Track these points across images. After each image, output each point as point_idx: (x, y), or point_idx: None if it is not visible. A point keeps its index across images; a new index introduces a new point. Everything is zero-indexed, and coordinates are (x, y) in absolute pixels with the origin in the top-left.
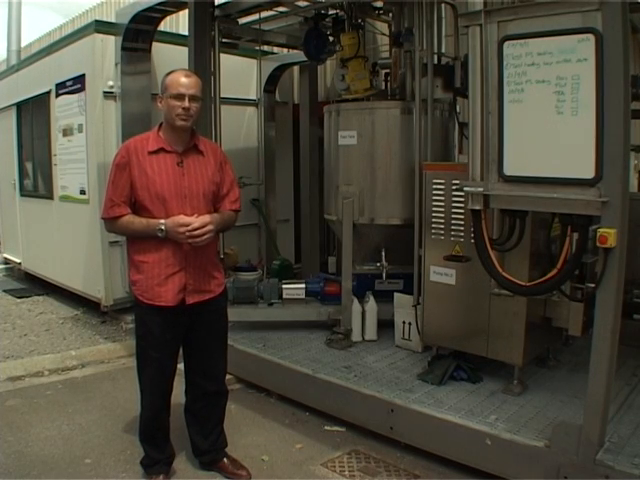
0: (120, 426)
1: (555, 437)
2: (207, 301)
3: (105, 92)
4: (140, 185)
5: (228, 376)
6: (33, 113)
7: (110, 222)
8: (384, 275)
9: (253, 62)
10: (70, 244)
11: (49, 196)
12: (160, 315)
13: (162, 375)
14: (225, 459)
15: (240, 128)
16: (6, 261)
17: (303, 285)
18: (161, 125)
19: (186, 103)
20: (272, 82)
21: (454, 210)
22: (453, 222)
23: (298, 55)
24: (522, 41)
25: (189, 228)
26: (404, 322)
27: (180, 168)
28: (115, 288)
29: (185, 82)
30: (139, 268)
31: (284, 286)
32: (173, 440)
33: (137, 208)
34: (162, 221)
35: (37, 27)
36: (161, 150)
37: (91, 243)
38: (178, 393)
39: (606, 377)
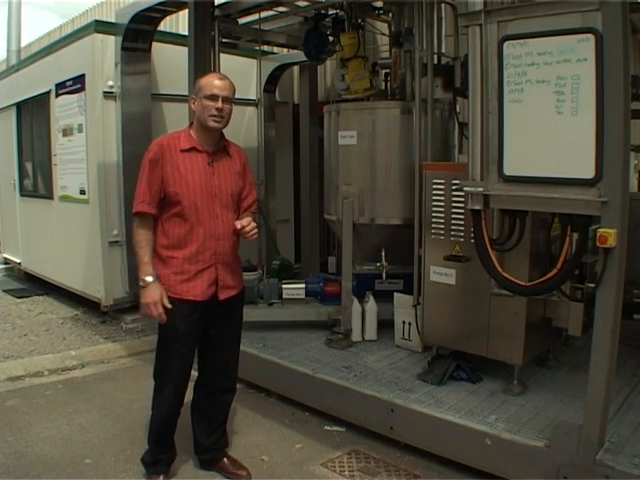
0: (120, 426)
1: (555, 437)
2: (233, 297)
3: (105, 92)
4: (172, 181)
5: None
6: (33, 113)
7: (138, 221)
8: (384, 275)
9: (253, 62)
10: (70, 244)
11: (49, 196)
12: (187, 309)
13: (185, 371)
14: (225, 459)
15: (240, 128)
16: (6, 261)
17: (303, 285)
18: (191, 125)
19: (219, 104)
20: (272, 82)
21: (454, 210)
22: (453, 222)
23: (298, 55)
24: (522, 41)
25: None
26: (404, 322)
27: (211, 168)
28: (115, 288)
29: (219, 84)
30: (167, 263)
31: (284, 286)
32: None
33: (166, 204)
34: (150, 278)
35: (34, 27)
36: (193, 149)
37: (91, 243)
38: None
39: (606, 377)
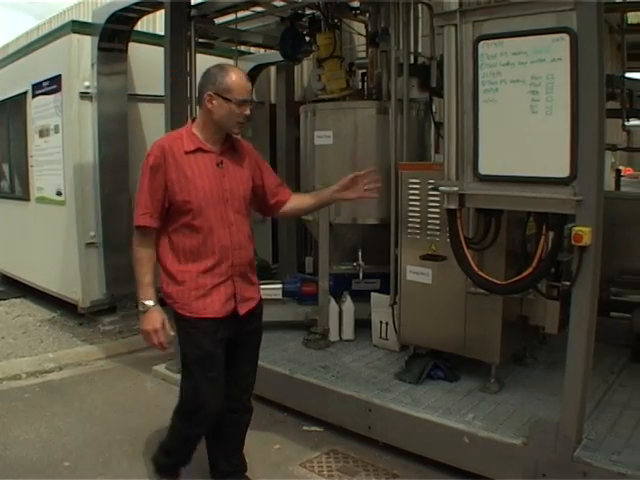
0: (98, 429)
1: (532, 434)
2: (253, 309)
3: (81, 93)
4: (179, 189)
5: None
6: (9, 114)
7: (139, 235)
8: (361, 275)
9: (230, 62)
10: (47, 246)
11: (25, 197)
12: (210, 327)
13: (221, 390)
14: None
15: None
16: None
17: (280, 285)
18: (193, 121)
19: (248, 110)
20: (249, 82)
21: (430, 210)
22: (429, 221)
23: (275, 55)
24: (497, 41)
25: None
26: (381, 322)
27: (220, 169)
28: (92, 290)
29: (249, 87)
30: (179, 279)
31: (261, 286)
32: None
33: (173, 213)
34: (150, 302)
35: (6, 29)
36: (199, 150)
37: (68, 245)
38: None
39: (582, 374)
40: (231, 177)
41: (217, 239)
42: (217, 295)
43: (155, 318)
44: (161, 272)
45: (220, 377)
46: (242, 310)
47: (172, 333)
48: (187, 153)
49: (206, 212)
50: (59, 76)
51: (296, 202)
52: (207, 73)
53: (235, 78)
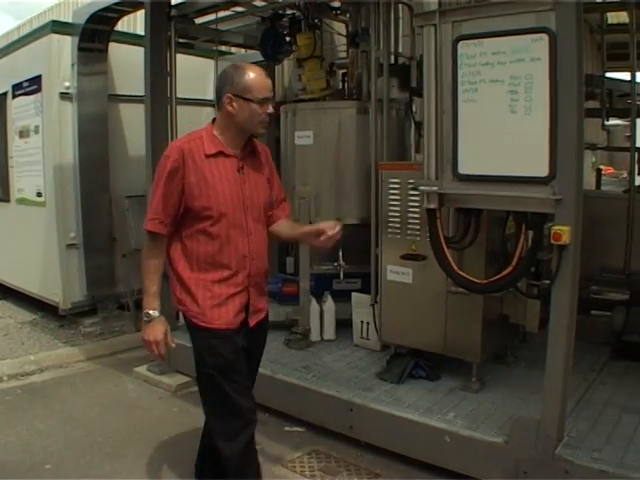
0: (79, 431)
1: (513, 433)
2: (263, 320)
3: (61, 93)
4: (199, 193)
5: (187, 378)
6: None
7: (149, 241)
8: (342, 275)
9: (210, 62)
10: (27, 247)
11: (5, 199)
12: (230, 337)
13: (250, 393)
14: None
15: (197, 129)
16: None
17: None
18: (213, 122)
19: (270, 108)
20: None
21: (410, 209)
22: (409, 221)
23: (255, 55)
24: (476, 41)
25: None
26: (362, 321)
27: (241, 175)
28: (73, 292)
29: (269, 84)
30: (192, 286)
31: None
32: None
33: (189, 218)
34: (155, 313)
35: None
36: (220, 154)
37: (48, 246)
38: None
39: (562, 372)
40: (251, 184)
41: (235, 248)
42: (232, 305)
43: (158, 329)
44: (172, 277)
45: (246, 381)
46: (252, 322)
47: (173, 345)
48: (208, 157)
49: (225, 219)
50: (39, 76)
51: (278, 226)
52: (223, 74)
53: (253, 76)
